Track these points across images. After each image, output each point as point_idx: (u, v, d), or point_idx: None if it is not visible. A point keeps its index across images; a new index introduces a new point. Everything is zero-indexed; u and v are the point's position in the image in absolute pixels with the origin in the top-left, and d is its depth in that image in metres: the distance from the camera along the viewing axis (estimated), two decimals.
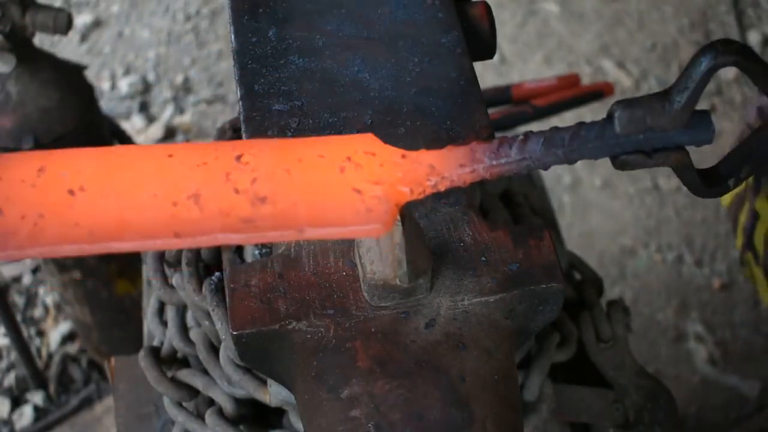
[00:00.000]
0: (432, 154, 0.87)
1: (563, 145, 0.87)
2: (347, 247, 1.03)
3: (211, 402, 1.28)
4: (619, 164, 0.88)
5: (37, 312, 3.03)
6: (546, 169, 0.89)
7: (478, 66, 1.16)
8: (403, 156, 0.87)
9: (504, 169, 0.88)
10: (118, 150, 0.86)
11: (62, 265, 2.37)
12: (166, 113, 3.59)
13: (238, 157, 0.85)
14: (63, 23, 1.92)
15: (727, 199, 1.92)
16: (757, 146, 0.92)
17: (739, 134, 1.85)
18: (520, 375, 1.23)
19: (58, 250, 0.79)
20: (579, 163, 3.65)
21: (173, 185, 0.82)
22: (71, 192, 0.81)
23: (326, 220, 0.82)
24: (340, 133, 1.05)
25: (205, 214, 0.81)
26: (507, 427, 0.96)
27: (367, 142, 0.87)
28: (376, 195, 0.84)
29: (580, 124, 0.88)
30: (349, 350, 0.97)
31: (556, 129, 0.88)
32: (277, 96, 1.07)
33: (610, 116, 0.87)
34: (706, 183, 0.92)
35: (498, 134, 1.39)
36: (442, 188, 0.87)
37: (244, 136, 1.05)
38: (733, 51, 0.84)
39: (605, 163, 3.41)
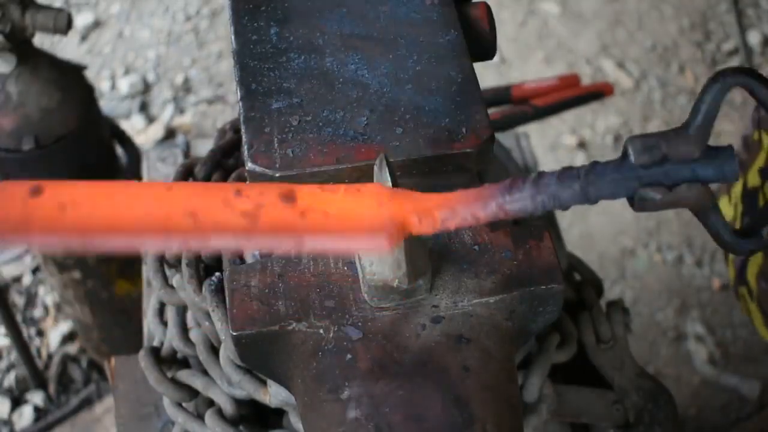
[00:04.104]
0: (440, 198, 0.85)
1: (578, 177, 0.84)
2: None
3: (210, 402, 1.28)
4: (638, 201, 0.84)
5: (37, 312, 3.03)
6: (566, 208, 0.85)
7: (478, 66, 1.15)
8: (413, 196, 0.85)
9: (518, 212, 0.84)
10: (114, 186, 0.83)
11: (62, 265, 2.37)
12: (166, 113, 3.59)
13: (238, 192, 0.84)
14: (63, 23, 1.92)
15: None
16: None
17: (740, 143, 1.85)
18: (520, 376, 1.23)
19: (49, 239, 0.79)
20: (579, 163, 3.64)
21: (170, 207, 0.81)
22: (62, 207, 0.80)
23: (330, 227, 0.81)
24: (338, 132, 1.05)
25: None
26: (507, 428, 0.96)
27: (377, 192, 0.85)
28: (384, 215, 0.83)
29: (595, 162, 0.85)
30: (349, 351, 0.97)
31: (570, 167, 0.85)
32: (277, 94, 1.08)
33: (625, 150, 0.84)
34: (737, 233, 0.86)
35: (498, 134, 1.39)
36: (452, 226, 0.84)
37: (244, 136, 1.05)
38: (742, 73, 0.83)
39: None
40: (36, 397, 2.79)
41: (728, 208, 1.83)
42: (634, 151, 0.83)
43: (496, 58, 2.74)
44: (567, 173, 0.84)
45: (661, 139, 0.83)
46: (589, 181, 0.84)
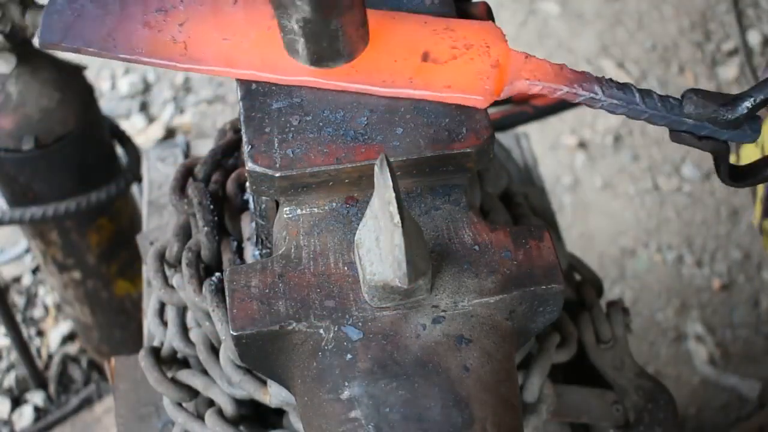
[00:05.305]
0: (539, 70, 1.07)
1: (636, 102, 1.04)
2: (347, 248, 1.03)
3: (211, 403, 1.28)
4: (675, 137, 1.05)
5: (37, 312, 3.03)
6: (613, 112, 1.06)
7: None
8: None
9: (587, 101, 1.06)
10: None
11: (62, 265, 2.37)
12: (166, 113, 3.59)
13: None
14: None
15: None
16: None
17: None
18: (520, 376, 1.23)
19: None
20: (579, 163, 3.64)
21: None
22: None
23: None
24: (338, 132, 1.05)
25: None
26: (507, 428, 0.96)
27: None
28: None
29: (663, 96, 1.04)
30: (349, 351, 0.97)
31: (647, 90, 1.05)
32: (277, 94, 1.08)
33: (682, 98, 1.02)
34: (732, 177, 1.07)
35: (498, 134, 1.39)
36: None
37: (244, 136, 1.05)
38: None
39: (605, 163, 3.42)
40: (36, 397, 2.80)
41: (754, 151, 1.85)
42: (688, 104, 1.02)
43: None
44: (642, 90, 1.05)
45: (713, 106, 1.01)
46: (647, 106, 1.04)
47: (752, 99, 1.00)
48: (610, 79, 1.06)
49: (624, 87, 1.05)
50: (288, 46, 1.06)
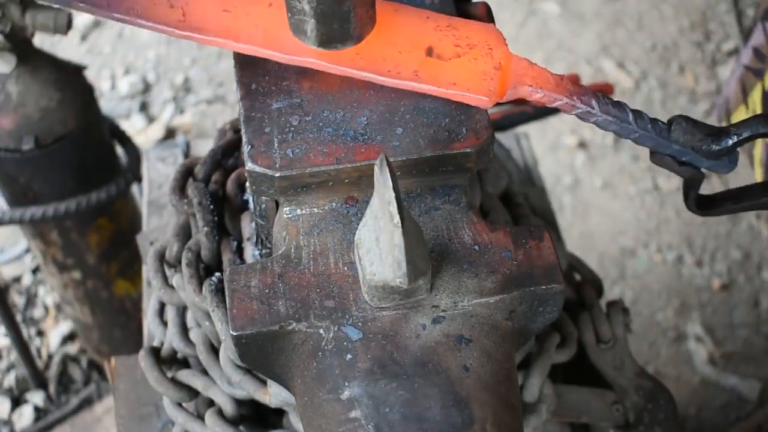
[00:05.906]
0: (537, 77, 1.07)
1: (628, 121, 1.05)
2: (347, 248, 1.03)
3: (211, 403, 1.28)
4: (655, 158, 1.07)
5: (37, 312, 3.03)
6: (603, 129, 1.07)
7: None
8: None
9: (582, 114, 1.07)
10: None
11: (62, 265, 2.37)
12: (166, 113, 3.59)
13: None
14: (63, 23, 1.92)
15: None
16: (749, 194, 1.09)
17: (736, 77, 1.87)
18: (520, 376, 1.23)
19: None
20: (579, 163, 3.64)
21: None
22: None
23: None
24: (338, 132, 1.04)
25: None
26: (506, 428, 0.96)
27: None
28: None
29: (653, 119, 1.06)
30: (349, 351, 0.97)
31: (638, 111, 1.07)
32: (277, 94, 1.08)
33: (670, 122, 1.05)
34: (698, 205, 1.11)
35: (498, 134, 1.39)
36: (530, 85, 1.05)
37: (244, 136, 1.05)
38: None
39: (605, 163, 3.42)
40: (36, 397, 2.80)
41: (745, 115, 1.86)
42: (676, 129, 1.04)
43: None
44: (637, 112, 1.07)
45: (699, 135, 1.03)
46: (638, 126, 1.05)
47: (737, 136, 1.02)
48: (606, 97, 1.07)
49: (618, 105, 1.06)
50: (294, 27, 1.04)
